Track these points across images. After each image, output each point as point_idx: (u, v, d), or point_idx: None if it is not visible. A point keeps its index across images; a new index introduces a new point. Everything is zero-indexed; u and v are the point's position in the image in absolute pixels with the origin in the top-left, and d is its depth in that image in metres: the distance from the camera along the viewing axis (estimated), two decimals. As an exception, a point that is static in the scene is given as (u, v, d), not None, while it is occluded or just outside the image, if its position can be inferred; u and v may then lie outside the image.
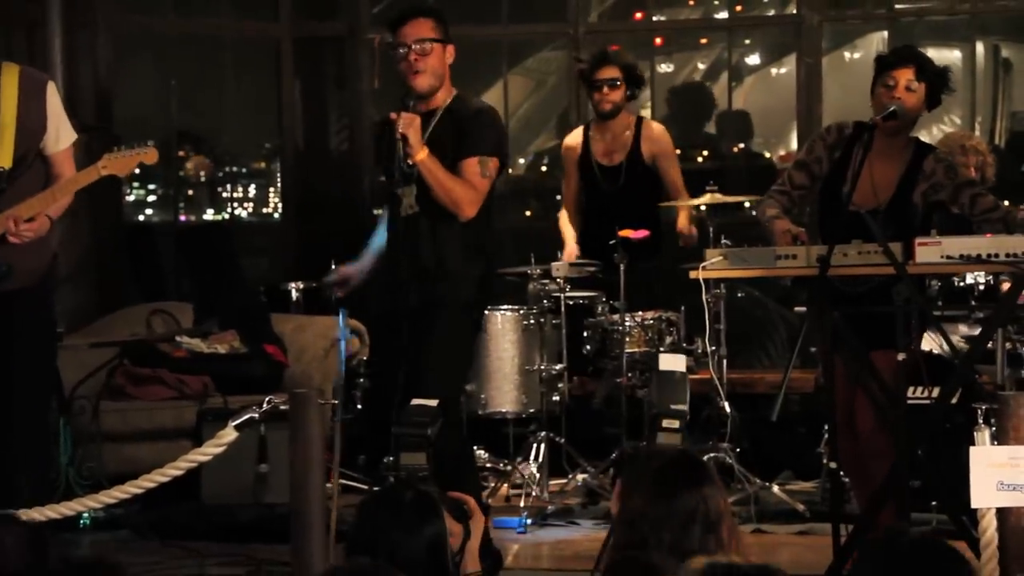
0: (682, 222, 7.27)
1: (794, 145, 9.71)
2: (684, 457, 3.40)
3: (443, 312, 5.38)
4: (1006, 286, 5.63)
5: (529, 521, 6.50)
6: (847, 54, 11.74)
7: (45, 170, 5.14)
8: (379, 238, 5.67)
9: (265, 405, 4.68)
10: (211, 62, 9.37)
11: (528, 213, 9.36)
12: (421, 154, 5.19)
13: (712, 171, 8.90)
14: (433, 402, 4.61)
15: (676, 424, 5.39)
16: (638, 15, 10.10)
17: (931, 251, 4.90)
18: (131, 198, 9.97)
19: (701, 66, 13.23)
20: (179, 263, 8.66)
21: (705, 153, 10.25)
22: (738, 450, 6.86)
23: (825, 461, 6.42)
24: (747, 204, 8.51)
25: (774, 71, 12.80)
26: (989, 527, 4.19)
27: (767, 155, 12.91)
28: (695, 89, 11.00)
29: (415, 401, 4.63)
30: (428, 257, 5.39)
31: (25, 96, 5.06)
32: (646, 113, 9.34)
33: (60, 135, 5.16)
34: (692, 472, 3.25)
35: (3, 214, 4.94)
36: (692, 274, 5.30)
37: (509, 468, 7.08)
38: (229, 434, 4.65)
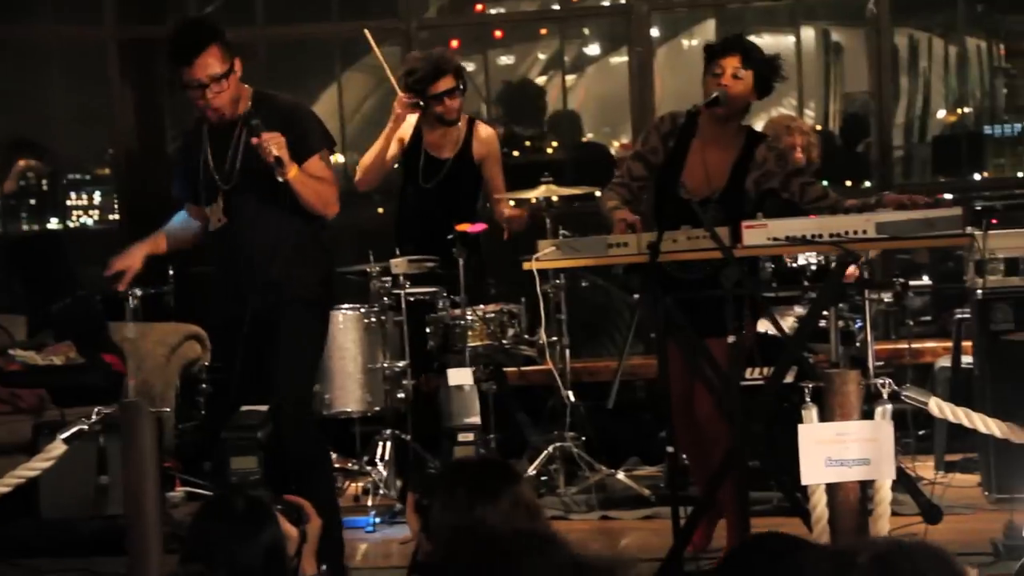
0: (507, 210, 7.22)
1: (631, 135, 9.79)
2: (489, 462, 3.48)
3: (287, 311, 5.29)
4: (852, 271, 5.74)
5: (378, 520, 6.49)
6: (684, 42, 11.88)
7: None
8: (174, 222, 5.68)
9: (95, 416, 4.61)
10: (37, 67, 9.17)
11: (380, 211, 9.27)
12: (293, 170, 5.05)
13: (548, 163, 8.94)
14: (263, 407, 4.58)
15: (471, 437, 5.47)
16: (479, 7, 10.11)
17: (758, 234, 4.97)
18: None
19: (542, 56, 13.30)
20: (11, 274, 8.46)
21: (540, 145, 10.30)
22: (584, 438, 6.90)
23: (666, 446, 6.48)
24: (598, 194, 8.58)
25: (613, 61, 12.91)
26: (819, 503, 4.27)
27: (614, 144, 13.02)
28: (527, 85, 11.06)
29: (244, 407, 4.59)
30: (258, 263, 5.27)
31: None
32: (483, 108, 9.36)
33: None
34: (504, 473, 3.29)
35: None
36: (525, 265, 5.32)
37: (356, 468, 7.05)
38: (58, 447, 4.57)
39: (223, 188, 5.25)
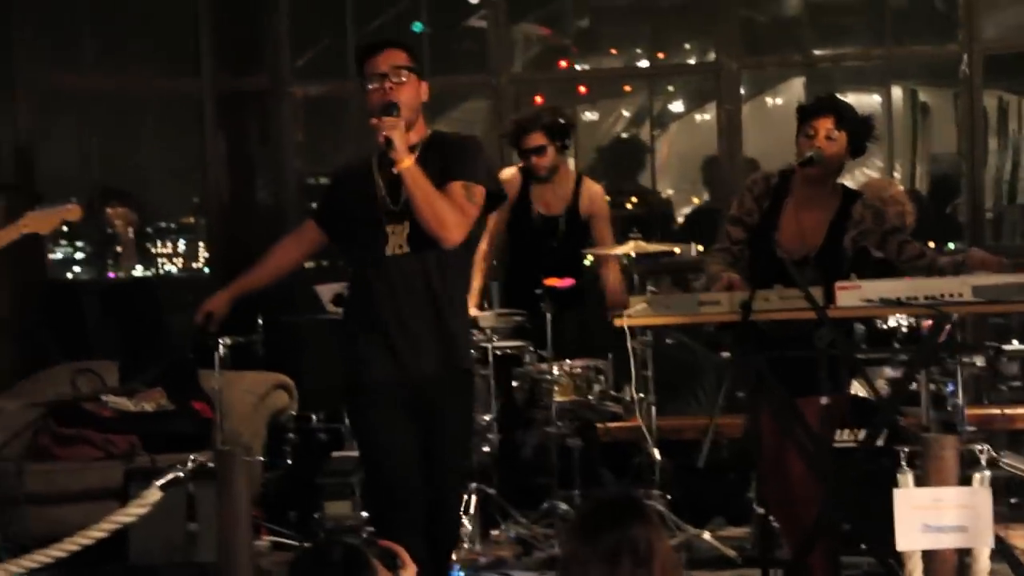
0: (613, 282, 7.27)
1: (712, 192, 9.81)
2: (614, 499, 3.43)
3: (467, 377, 4.93)
4: (927, 324, 5.71)
5: (462, 574, 6.47)
6: (768, 99, 11.89)
7: None
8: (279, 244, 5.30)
9: (190, 463, 4.65)
10: (133, 118, 9.34)
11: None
12: (407, 161, 4.64)
13: (639, 218, 8.97)
14: (354, 453, 4.58)
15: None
16: (562, 63, 10.17)
17: (851, 295, 4.95)
18: (58, 256, 9.89)
19: (626, 113, 13.36)
20: (104, 321, 8.58)
21: (634, 200, 10.33)
22: (669, 497, 6.87)
23: (755, 506, 6.44)
24: (677, 251, 8.59)
25: (698, 117, 12.94)
26: (915, 570, 4.22)
27: (695, 200, 13.02)
28: (627, 142, 11.11)
29: (336, 453, 4.62)
30: (438, 308, 4.79)
31: None
32: (571, 162, 9.40)
33: None
34: (617, 512, 3.28)
35: None
36: (616, 322, 5.32)
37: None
38: (154, 494, 4.62)
39: (391, 209, 4.80)
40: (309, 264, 9.49)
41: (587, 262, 7.55)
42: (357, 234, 4.88)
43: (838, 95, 5.94)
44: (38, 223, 5.04)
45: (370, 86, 4.81)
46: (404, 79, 4.78)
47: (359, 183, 4.89)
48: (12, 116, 8.25)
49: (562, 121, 7.23)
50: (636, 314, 5.27)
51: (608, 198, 7.55)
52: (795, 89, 10.58)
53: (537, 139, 7.13)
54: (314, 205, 5.43)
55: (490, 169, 4.96)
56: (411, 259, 4.75)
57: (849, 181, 7.23)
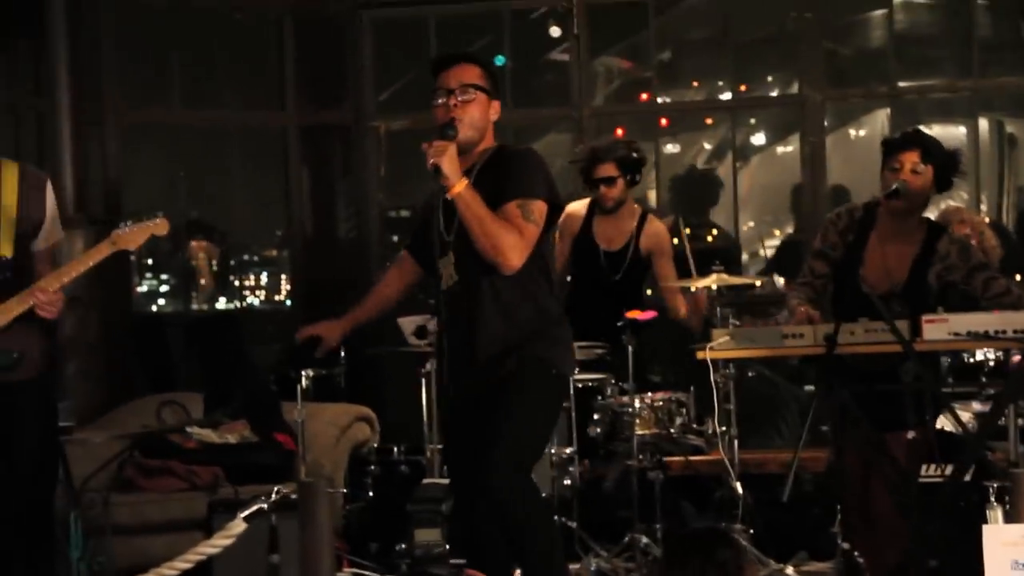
0: (683, 309, 7.26)
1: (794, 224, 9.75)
2: (700, 528, 3.45)
3: (520, 379, 4.68)
4: (1016, 359, 5.63)
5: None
6: (851, 131, 11.82)
7: (29, 267, 5.15)
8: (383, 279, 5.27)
9: (274, 495, 4.67)
10: (219, 152, 9.45)
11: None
12: (459, 186, 4.50)
13: (719, 251, 8.93)
14: (444, 481, 4.59)
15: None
16: (643, 96, 10.17)
17: (938, 328, 4.91)
18: (143, 289, 10.00)
19: (707, 146, 13.33)
20: (189, 353, 8.66)
21: (701, 233, 10.29)
22: (752, 531, 6.81)
23: (840, 541, 6.37)
24: (758, 284, 8.54)
25: (779, 149, 12.88)
26: (1005, 607, 4.15)
27: (776, 232, 12.94)
28: (702, 176, 11.07)
29: (426, 480, 4.62)
30: (489, 332, 4.69)
31: (26, 189, 5.11)
32: (652, 194, 9.41)
33: (51, 232, 5.20)
34: (704, 539, 3.29)
35: (28, 290, 4.96)
36: (699, 354, 5.30)
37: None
38: (238, 526, 4.63)
39: (447, 239, 4.74)
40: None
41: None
42: (433, 266, 4.87)
43: (923, 127, 5.91)
44: (127, 240, 5.07)
45: (436, 101, 4.72)
46: (471, 96, 4.67)
47: (429, 213, 4.88)
48: (102, 151, 8.37)
49: (635, 155, 7.23)
50: (720, 347, 5.25)
51: (688, 230, 7.52)
52: (879, 121, 10.51)
53: (609, 169, 7.14)
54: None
55: (548, 181, 4.74)
56: (459, 290, 4.72)
57: (931, 213, 7.19)
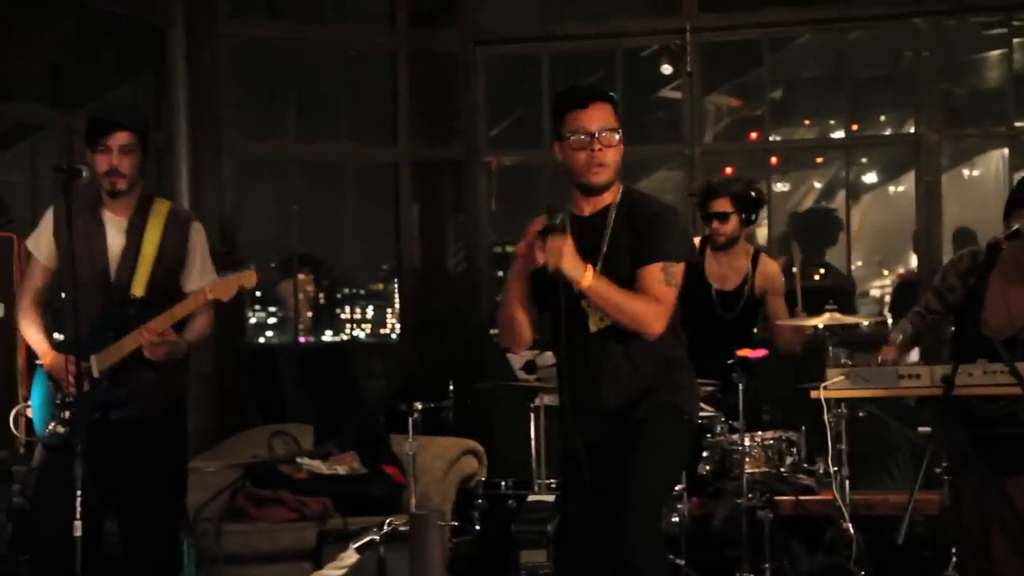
0: (786, 340, 7.20)
1: (913, 263, 9.64)
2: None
3: (651, 424, 4.52)
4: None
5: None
6: (966, 171, 11.70)
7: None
8: None
9: (385, 527, 4.71)
10: (331, 186, 9.54)
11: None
12: (586, 279, 4.38)
13: (831, 289, 8.86)
14: (550, 498, 4.56)
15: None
16: (753, 135, 10.14)
17: (1060, 371, 4.82)
18: (252, 320, 10.12)
19: (817, 185, 13.26)
20: (300, 384, 8.74)
21: (822, 271, 10.20)
22: (863, 574, 6.72)
23: (954, 585, 6.28)
24: (865, 323, 8.47)
25: (892, 189, 12.78)
26: None
27: (885, 272, 12.82)
28: (822, 214, 11.00)
29: (532, 497, 4.59)
30: (617, 382, 4.57)
31: (170, 230, 5.19)
32: (762, 231, 9.35)
33: (199, 273, 5.27)
34: None
35: (138, 329, 5.04)
36: (813, 394, 5.27)
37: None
38: (350, 556, 4.68)
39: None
40: (494, 331, 9.59)
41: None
42: (550, 303, 4.62)
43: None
44: (219, 291, 5.14)
45: (573, 142, 4.49)
46: (614, 141, 4.49)
47: None
48: (218, 184, 8.50)
49: (753, 194, 7.17)
50: (834, 386, 5.21)
51: (796, 269, 7.46)
52: (995, 161, 10.39)
53: (723, 204, 7.10)
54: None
55: (689, 239, 4.66)
56: (600, 337, 4.57)
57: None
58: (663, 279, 4.47)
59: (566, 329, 4.52)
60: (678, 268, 4.52)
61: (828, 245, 9.89)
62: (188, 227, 5.28)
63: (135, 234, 5.17)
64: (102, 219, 5.19)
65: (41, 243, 5.29)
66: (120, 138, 5.11)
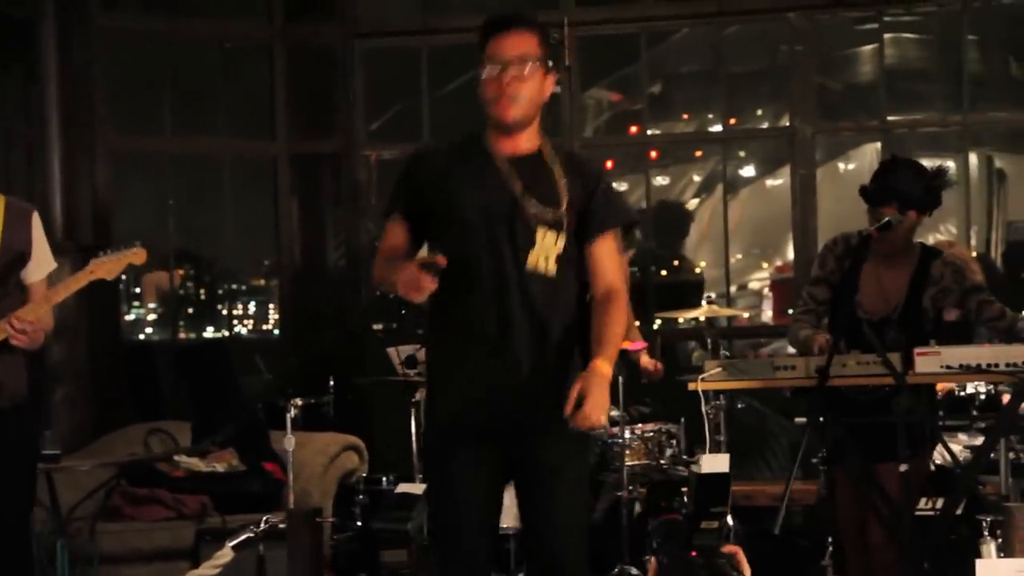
0: (643, 359, 7.18)
1: (790, 256, 9.75)
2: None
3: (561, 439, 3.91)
4: (1007, 396, 5.63)
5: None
6: (841, 165, 11.86)
7: (22, 299, 5.11)
8: None
9: (263, 524, 4.66)
10: (209, 181, 9.43)
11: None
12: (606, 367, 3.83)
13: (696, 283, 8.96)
14: (419, 488, 4.49)
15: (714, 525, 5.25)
16: (633, 129, 10.19)
17: (930, 361, 4.91)
18: (130, 317, 9.97)
19: (696, 178, 13.38)
20: (177, 382, 8.64)
21: (687, 264, 10.30)
22: (741, 564, 6.78)
23: (831, 573, 6.35)
24: (745, 315, 8.55)
25: (769, 182, 12.92)
26: (997, 641, 4.14)
27: (764, 265, 12.96)
28: (673, 207, 11.10)
29: (400, 487, 4.51)
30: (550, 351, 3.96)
31: (10, 223, 5.07)
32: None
33: (40, 264, 5.16)
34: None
35: (2, 320, 4.93)
36: (691, 385, 5.29)
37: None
38: (226, 555, 4.63)
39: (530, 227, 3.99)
40: (378, 326, 9.54)
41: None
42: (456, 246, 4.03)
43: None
44: (105, 268, 5.04)
45: (484, 73, 3.98)
46: (529, 73, 3.95)
47: (449, 177, 4.11)
48: (92, 179, 8.35)
49: None
50: (712, 378, 5.24)
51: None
52: (868, 155, 10.55)
53: None
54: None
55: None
56: (536, 290, 3.96)
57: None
58: (618, 248, 4.13)
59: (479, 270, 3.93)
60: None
61: (682, 237, 9.98)
62: (29, 218, 5.15)
63: None
64: None
65: None
66: None
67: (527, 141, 4.02)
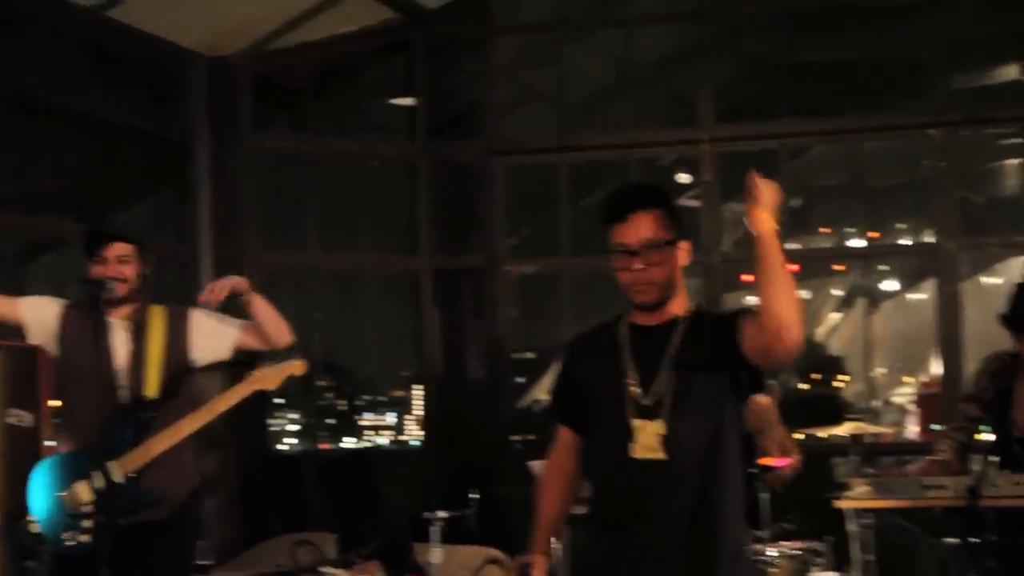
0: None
1: (934, 370, 9.61)
2: None
3: None
4: None
5: None
6: (985, 278, 11.70)
7: (192, 405, 5.20)
8: None
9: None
10: (352, 294, 9.59)
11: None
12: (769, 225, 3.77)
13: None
14: None
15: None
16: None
17: (1086, 480, 4.81)
18: (273, 428, 10.11)
19: (836, 292, 13.26)
20: (322, 492, 8.71)
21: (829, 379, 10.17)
22: None
23: None
24: (888, 431, 8.45)
25: (911, 296, 12.77)
26: None
27: (907, 379, 12.75)
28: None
29: None
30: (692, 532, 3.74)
31: (170, 331, 5.20)
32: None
33: (208, 348, 5.24)
34: None
35: (170, 428, 5.04)
36: (836, 503, 5.23)
37: None
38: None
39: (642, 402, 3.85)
40: (516, 437, 9.56)
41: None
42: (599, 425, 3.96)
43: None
44: (265, 380, 5.15)
45: (615, 260, 3.83)
46: (657, 258, 3.79)
47: (592, 364, 4.03)
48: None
49: None
50: (859, 496, 5.18)
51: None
52: (1013, 268, 10.40)
53: None
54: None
55: None
56: (660, 469, 3.78)
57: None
58: None
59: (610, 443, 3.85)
60: None
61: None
62: (186, 317, 5.26)
63: (139, 338, 5.17)
64: (105, 324, 5.17)
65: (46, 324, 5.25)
66: (117, 249, 5.13)
67: (669, 310, 3.86)
